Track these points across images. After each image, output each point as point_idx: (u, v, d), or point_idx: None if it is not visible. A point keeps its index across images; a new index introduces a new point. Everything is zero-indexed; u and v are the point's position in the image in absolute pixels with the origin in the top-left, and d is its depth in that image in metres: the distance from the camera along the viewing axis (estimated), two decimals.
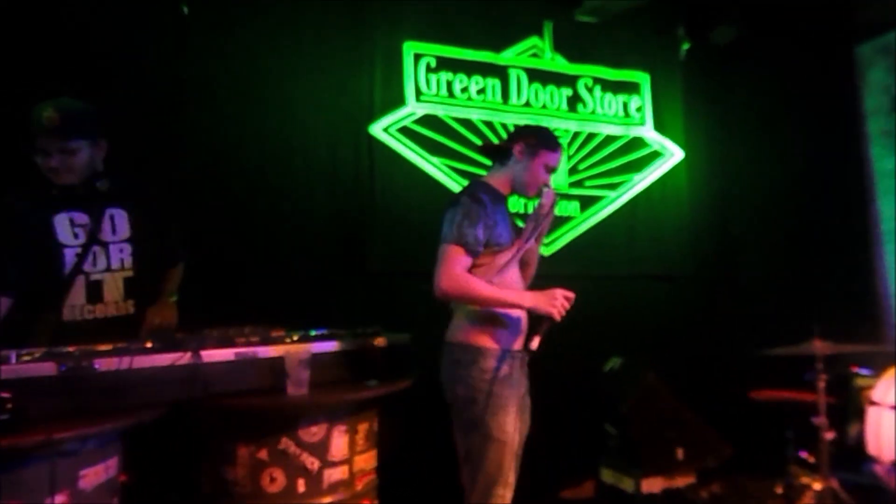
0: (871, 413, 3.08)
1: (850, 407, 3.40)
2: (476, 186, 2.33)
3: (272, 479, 2.00)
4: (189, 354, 1.86)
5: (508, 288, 2.25)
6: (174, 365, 1.83)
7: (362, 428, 2.20)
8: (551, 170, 2.38)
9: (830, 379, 3.13)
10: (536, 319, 2.19)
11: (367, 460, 2.23)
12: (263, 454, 1.99)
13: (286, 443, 2.01)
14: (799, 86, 4.54)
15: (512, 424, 2.17)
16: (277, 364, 2.02)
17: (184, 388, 1.83)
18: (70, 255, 2.14)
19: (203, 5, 3.20)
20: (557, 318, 2.13)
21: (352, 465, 2.14)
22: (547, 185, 2.35)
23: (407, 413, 2.85)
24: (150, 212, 2.34)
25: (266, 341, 2.06)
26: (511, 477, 2.18)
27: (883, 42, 4.76)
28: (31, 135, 2.08)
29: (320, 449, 2.06)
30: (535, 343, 2.10)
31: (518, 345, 2.28)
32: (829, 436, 3.05)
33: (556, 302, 2.14)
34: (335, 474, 2.09)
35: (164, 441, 2.01)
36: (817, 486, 3.06)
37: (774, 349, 3.09)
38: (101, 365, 1.70)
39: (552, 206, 2.33)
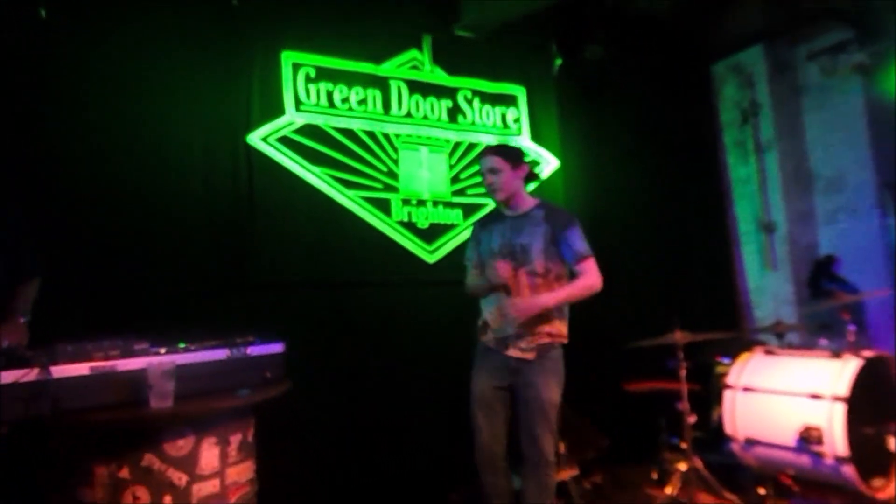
0: (727, 396, 3.36)
1: (712, 392, 3.69)
2: (487, 213, 3.03)
3: (135, 498, 1.92)
4: (37, 370, 1.76)
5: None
6: (18, 382, 1.72)
7: (234, 439, 2.15)
8: (483, 174, 2.79)
9: (694, 367, 3.39)
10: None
11: (241, 472, 2.18)
12: (125, 472, 1.91)
13: (150, 459, 1.94)
14: (662, 100, 4.92)
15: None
16: (139, 377, 1.94)
17: (29, 405, 1.72)
18: None
19: (64, 8, 3.04)
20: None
21: (223, 477, 2.09)
22: (540, 206, 2.80)
23: (289, 423, 2.82)
24: (3, 222, 2.19)
25: (127, 354, 1.99)
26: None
27: (734, 61, 5.26)
28: None
29: (188, 463, 2.00)
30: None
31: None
32: (692, 420, 3.30)
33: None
34: (205, 488, 2.04)
35: (11, 464, 1.88)
36: (682, 467, 3.29)
37: (641, 341, 3.30)
38: None
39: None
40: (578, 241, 2.70)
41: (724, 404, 3.36)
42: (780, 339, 3.71)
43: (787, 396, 3.12)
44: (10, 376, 1.72)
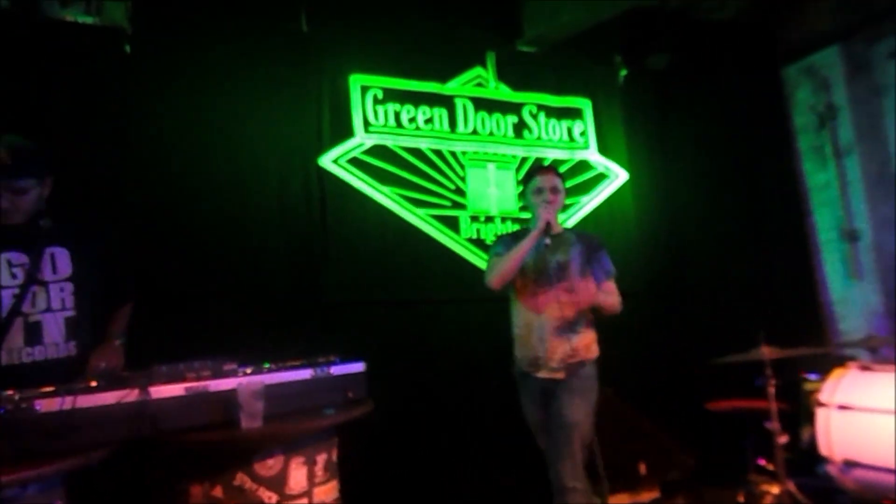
0: (820, 414, 3.18)
1: (801, 411, 3.51)
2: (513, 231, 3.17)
3: None
4: (136, 391, 1.81)
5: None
6: (121, 403, 1.77)
7: (321, 458, 2.15)
8: (538, 191, 2.78)
9: (781, 385, 3.22)
10: None
11: (327, 492, 2.17)
12: (218, 491, 1.93)
13: (241, 478, 1.96)
14: (732, 106, 4.78)
15: None
16: (230, 397, 1.97)
17: (131, 426, 1.77)
18: (7, 297, 2.06)
19: (146, 44, 3.19)
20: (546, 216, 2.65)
21: (311, 497, 2.09)
22: (546, 207, 2.73)
23: (367, 442, 2.82)
24: (93, 250, 2.28)
25: (218, 374, 2.02)
26: None
27: (807, 63, 5.06)
28: None
29: (277, 482, 2.01)
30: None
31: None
32: (783, 440, 3.13)
33: (541, 212, 2.68)
34: None
35: (113, 483, 1.93)
36: (775, 490, 3.12)
37: (725, 358, 3.17)
38: (43, 406, 1.64)
39: (543, 230, 2.66)
40: (608, 261, 2.81)
41: (818, 423, 3.17)
42: (874, 353, 3.50)
43: (890, 415, 2.92)
44: (112, 397, 1.77)
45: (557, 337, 2.64)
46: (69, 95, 3.00)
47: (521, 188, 4.00)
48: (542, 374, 2.65)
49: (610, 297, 2.73)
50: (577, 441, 2.55)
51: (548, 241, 2.65)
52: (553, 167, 2.96)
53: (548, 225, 2.65)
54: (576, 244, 2.78)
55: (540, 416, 2.70)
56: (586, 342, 2.70)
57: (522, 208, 3.98)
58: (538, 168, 2.99)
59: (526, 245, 2.64)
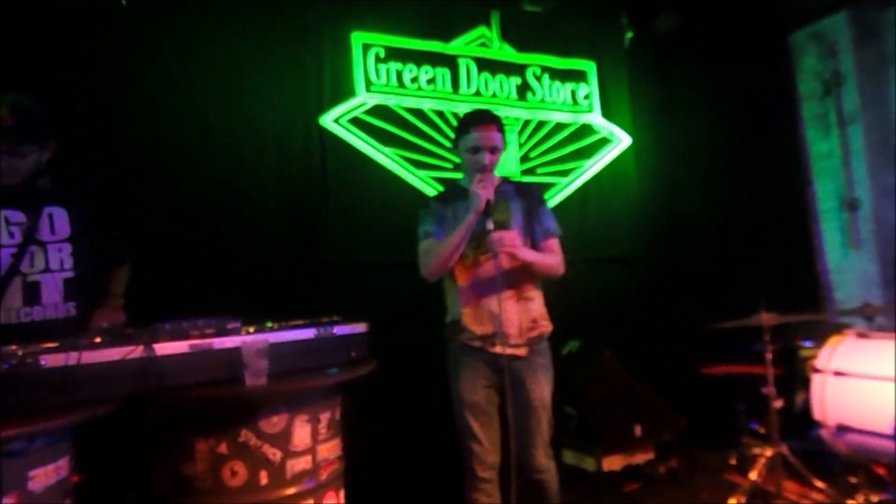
0: (816, 380, 3.21)
1: (796, 377, 3.55)
2: (441, 191, 2.66)
3: (233, 473, 1.96)
4: (141, 348, 1.81)
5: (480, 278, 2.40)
6: (125, 359, 1.77)
7: (324, 417, 2.17)
8: (475, 150, 2.35)
9: (776, 351, 3.26)
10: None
11: (330, 449, 2.20)
12: (223, 447, 1.95)
13: (246, 435, 1.97)
14: (737, 72, 4.71)
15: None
16: (234, 355, 1.97)
17: (136, 382, 1.77)
18: (5, 256, 2.04)
19: None
20: (486, 194, 2.26)
21: (315, 454, 2.11)
22: (482, 177, 2.30)
23: (368, 400, 2.84)
24: (91, 211, 2.25)
25: (222, 332, 2.01)
26: None
27: (815, 29, 4.96)
28: None
29: (282, 439, 2.03)
30: None
31: None
32: (778, 404, 3.17)
33: (478, 189, 2.26)
34: (298, 464, 2.06)
35: (119, 439, 1.95)
36: (768, 453, 3.18)
37: (724, 323, 3.19)
38: (48, 361, 1.63)
39: (483, 210, 2.27)
40: (550, 217, 2.49)
41: (813, 389, 3.21)
42: (870, 321, 3.53)
43: (884, 381, 2.96)
44: (117, 353, 1.76)
45: (513, 306, 2.38)
46: (64, 49, 2.93)
47: (522, 151, 3.96)
48: (500, 350, 2.35)
49: (549, 256, 2.43)
50: (547, 422, 2.41)
51: (490, 225, 2.27)
52: (496, 117, 2.40)
53: (487, 203, 2.26)
54: (514, 199, 2.45)
55: (484, 395, 2.40)
56: (542, 311, 2.46)
57: (525, 171, 3.95)
58: (477, 118, 2.39)
59: (463, 231, 2.29)
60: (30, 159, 2.06)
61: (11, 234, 2.06)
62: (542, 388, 2.41)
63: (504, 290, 2.34)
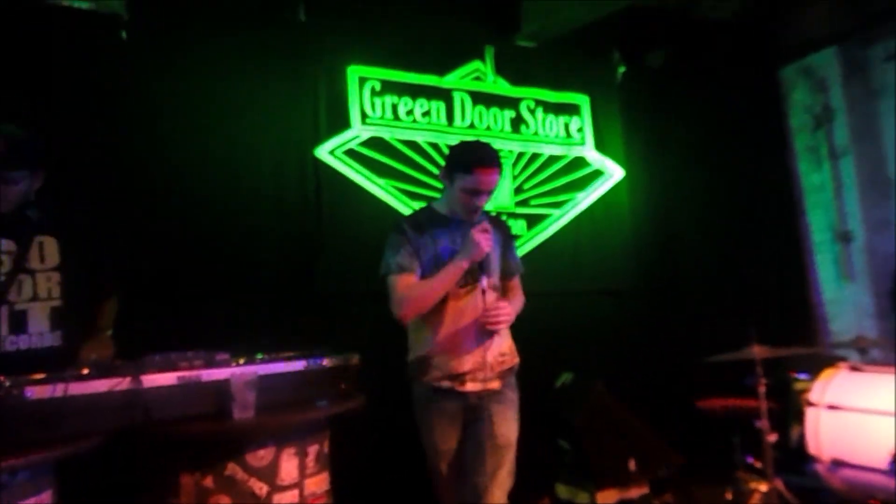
0: (810, 414, 3.20)
1: (791, 410, 3.53)
2: (411, 214, 2.51)
3: None
4: (128, 380, 1.80)
5: (460, 313, 2.29)
6: (112, 391, 1.76)
7: (312, 450, 2.16)
8: (473, 192, 2.23)
9: (771, 384, 3.24)
10: None
11: (318, 483, 2.18)
12: (209, 482, 1.93)
13: (233, 468, 1.95)
14: (729, 106, 4.79)
15: None
16: (223, 387, 1.96)
17: (123, 415, 1.76)
18: None
19: (143, 32, 3.16)
20: (487, 249, 2.18)
21: (302, 488, 2.09)
22: (485, 227, 2.22)
23: (359, 434, 2.82)
24: (81, 242, 2.26)
25: (210, 365, 2.01)
26: None
27: (804, 64, 5.07)
28: None
29: (269, 473, 2.01)
30: None
31: None
32: (772, 438, 3.15)
33: (481, 240, 2.16)
34: (285, 498, 2.04)
35: (103, 472, 1.92)
36: (763, 488, 3.14)
37: (716, 356, 3.18)
38: (34, 393, 1.63)
39: (483, 241, 2.18)
40: (516, 253, 2.53)
41: (808, 423, 3.20)
42: (863, 354, 3.53)
43: (878, 416, 2.95)
44: (103, 385, 1.76)
45: (487, 340, 2.27)
46: (64, 82, 2.97)
47: (516, 183, 3.99)
48: (470, 388, 2.27)
49: (519, 299, 2.48)
50: (512, 462, 2.30)
51: (485, 283, 2.21)
52: (498, 161, 2.28)
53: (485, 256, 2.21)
54: (493, 231, 2.31)
55: (457, 439, 2.31)
56: (510, 342, 2.41)
57: (519, 203, 3.98)
58: (480, 161, 2.22)
59: (451, 279, 2.20)
60: (20, 186, 2.07)
61: (1, 263, 2.07)
62: (509, 426, 2.31)
63: (482, 326, 2.26)
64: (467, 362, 2.28)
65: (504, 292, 2.44)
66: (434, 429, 2.32)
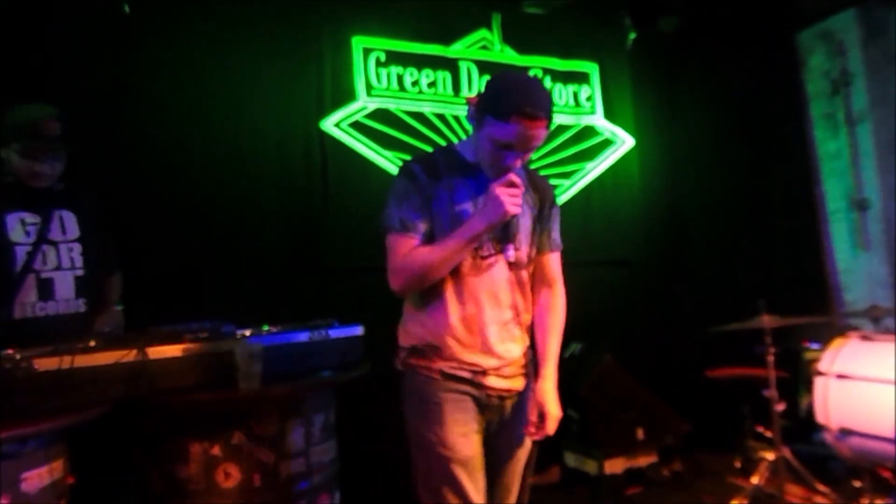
0: (818, 383, 3.18)
1: (801, 379, 3.52)
2: (425, 155, 1.93)
3: (227, 475, 1.99)
4: (134, 352, 1.84)
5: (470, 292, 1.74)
6: (119, 363, 1.80)
7: (318, 420, 2.20)
8: (505, 146, 1.62)
9: (782, 354, 3.23)
10: None
11: (324, 452, 2.23)
12: (216, 450, 1.98)
13: (240, 437, 2.00)
14: (743, 72, 4.67)
15: None
16: (228, 359, 2.00)
17: (130, 385, 1.81)
18: (21, 253, 2.14)
19: (146, 4, 3.14)
20: (513, 210, 1.63)
21: (308, 456, 2.14)
22: (512, 179, 1.64)
23: (365, 404, 2.85)
24: (94, 217, 2.35)
25: (216, 337, 2.04)
26: None
27: (822, 28, 4.92)
28: (14, 135, 2.12)
29: (275, 442, 2.05)
30: None
31: None
32: (780, 407, 3.15)
33: (503, 198, 1.61)
34: (291, 467, 2.09)
35: (114, 441, 1.98)
36: (770, 456, 3.15)
37: (726, 326, 3.17)
38: (42, 365, 1.67)
39: (507, 199, 1.61)
40: (558, 224, 1.92)
41: (816, 392, 3.17)
42: (876, 323, 3.48)
43: (887, 385, 2.92)
44: (110, 357, 1.80)
45: (514, 327, 1.81)
46: (67, 56, 2.97)
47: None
48: (494, 384, 1.76)
49: (560, 297, 1.94)
50: (528, 471, 1.89)
51: (511, 254, 1.71)
52: (549, 108, 1.63)
53: (512, 219, 1.68)
54: (526, 191, 1.78)
55: (477, 443, 1.74)
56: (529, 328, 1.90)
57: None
58: (525, 104, 1.57)
59: (465, 245, 1.67)
60: (62, 164, 2.23)
61: (27, 234, 2.18)
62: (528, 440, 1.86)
63: (505, 307, 1.78)
64: (488, 355, 1.75)
65: (533, 271, 1.88)
66: (445, 424, 1.71)
